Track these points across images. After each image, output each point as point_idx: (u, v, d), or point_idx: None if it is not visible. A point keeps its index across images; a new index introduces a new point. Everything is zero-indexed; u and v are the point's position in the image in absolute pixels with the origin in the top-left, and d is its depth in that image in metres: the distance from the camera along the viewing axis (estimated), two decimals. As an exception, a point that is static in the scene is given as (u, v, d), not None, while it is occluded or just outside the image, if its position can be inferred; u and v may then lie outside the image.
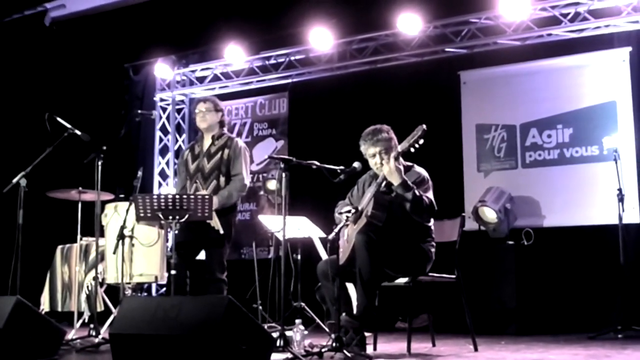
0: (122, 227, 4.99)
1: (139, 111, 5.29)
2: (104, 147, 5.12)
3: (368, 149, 4.61)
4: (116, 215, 5.50)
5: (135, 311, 3.62)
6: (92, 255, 6.10)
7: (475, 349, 4.65)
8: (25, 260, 5.15)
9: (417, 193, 4.33)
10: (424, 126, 4.35)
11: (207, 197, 4.78)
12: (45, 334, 4.13)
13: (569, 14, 6.78)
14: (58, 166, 6.80)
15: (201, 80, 8.83)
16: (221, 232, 5.01)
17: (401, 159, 4.51)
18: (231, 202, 5.18)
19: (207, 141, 5.32)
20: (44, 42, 8.29)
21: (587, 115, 6.81)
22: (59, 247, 6.67)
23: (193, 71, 8.80)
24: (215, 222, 5.03)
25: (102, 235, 5.61)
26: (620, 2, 6.54)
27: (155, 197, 4.70)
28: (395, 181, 4.33)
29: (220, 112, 5.38)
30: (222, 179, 5.16)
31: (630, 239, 6.13)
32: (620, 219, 5.74)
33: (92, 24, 8.09)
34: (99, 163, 5.13)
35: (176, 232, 5.32)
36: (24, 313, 4.13)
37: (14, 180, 5.16)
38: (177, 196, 4.72)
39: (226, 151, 5.23)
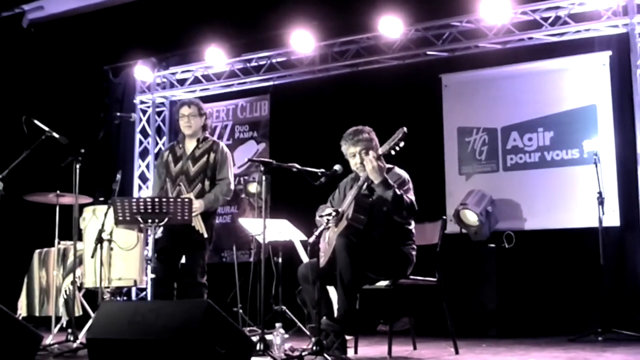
0: (101, 231, 4.96)
1: (118, 114, 5.25)
2: (82, 150, 5.09)
3: (349, 149, 4.64)
4: (94, 218, 5.47)
5: (113, 316, 3.60)
6: (70, 259, 6.06)
7: (456, 352, 4.67)
8: (2, 264, 5.09)
9: (398, 192, 4.35)
10: (405, 129, 4.39)
11: (186, 200, 4.78)
12: (22, 339, 4.08)
13: (549, 17, 6.84)
14: (35, 169, 6.74)
15: (182, 82, 8.81)
16: (205, 235, 5.02)
17: (382, 161, 4.52)
18: (217, 205, 5.23)
19: (190, 144, 5.32)
20: (21, 44, 8.19)
21: (567, 119, 6.86)
22: (37, 251, 6.61)
23: (173, 73, 8.76)
24: (200, 226, 5.04)
25: (80, 239, 5.57)
26: (601, 7, 6.61)
27: (134, 200, 4.70)
28: (377, 179, 4.35)
29: (204, 116, 5.40)
30: (207, 183, 5.18)
31: (610, 241, 6.19)
32: (600, 222, 5.80)
33: (70, 26, 8.00)
34: (77, 166, 5.10)
35: (158, 237, 5.32)
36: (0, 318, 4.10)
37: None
38: (157, 199, 4.71)
39: (212, 155, 5.24)
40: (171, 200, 4.78)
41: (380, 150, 4.45)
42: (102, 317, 3.63)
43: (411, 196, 4.52)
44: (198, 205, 5.11)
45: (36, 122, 5.18)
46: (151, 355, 3.39)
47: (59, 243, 5.90)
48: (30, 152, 5.12)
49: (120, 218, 4.71)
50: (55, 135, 5.19)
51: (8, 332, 3.78)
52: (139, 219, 4.67)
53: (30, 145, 5.13)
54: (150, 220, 4.67)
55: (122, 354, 3.48)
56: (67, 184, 5.31)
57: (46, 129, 5.18)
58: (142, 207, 4.64)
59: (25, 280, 6.60)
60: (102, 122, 5.24)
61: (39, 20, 7.92)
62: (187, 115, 5.30)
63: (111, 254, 5.17)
